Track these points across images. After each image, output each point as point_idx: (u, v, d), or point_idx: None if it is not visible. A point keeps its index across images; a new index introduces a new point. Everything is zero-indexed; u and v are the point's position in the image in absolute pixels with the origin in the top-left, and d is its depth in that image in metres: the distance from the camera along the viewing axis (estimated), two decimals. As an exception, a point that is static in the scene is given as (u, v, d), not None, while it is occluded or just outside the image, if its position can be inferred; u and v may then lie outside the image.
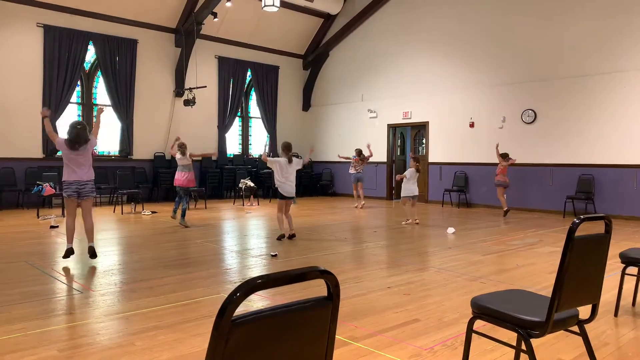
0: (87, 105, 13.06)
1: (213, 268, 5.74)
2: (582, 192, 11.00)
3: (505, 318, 2.37)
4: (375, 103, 15.42)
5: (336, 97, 16.69)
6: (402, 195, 9.77)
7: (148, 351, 3.19)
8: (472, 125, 13.08)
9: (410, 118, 14.58)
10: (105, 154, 13.16)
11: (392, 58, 14.88)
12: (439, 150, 13.89)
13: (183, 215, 9.01)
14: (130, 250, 6.87)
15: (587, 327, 2.55)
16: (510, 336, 2.83)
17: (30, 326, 3.63)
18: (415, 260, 6.29)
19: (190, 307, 4.15)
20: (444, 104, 13.67)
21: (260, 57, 16.06)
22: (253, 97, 16.35)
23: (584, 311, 2.51)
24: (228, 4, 13.28)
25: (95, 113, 12.92)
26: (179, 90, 14.11)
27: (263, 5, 11.59)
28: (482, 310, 2.49)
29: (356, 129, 15.82)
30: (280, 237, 7.60)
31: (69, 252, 5.76)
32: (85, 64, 12.87)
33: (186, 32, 13.79)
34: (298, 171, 8.05)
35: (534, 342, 2.36)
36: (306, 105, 17.56)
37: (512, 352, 2.85)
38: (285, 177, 7.58)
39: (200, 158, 9.27)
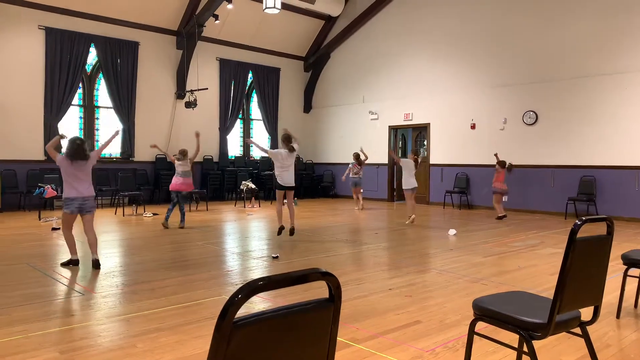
0: (89, 107, 13.08)
1: (214, 270, 5.74)
2: (584, 194, 10.99)
3: (507, 320, 2.36)
4: (376, 105, 15.42)
5: (337, 98, 16.70)
6: (403, 187, 9.98)
7: (149, 353, 3.19)
8: (473, 126, 13.07)
9: (411, 120, 14.58)
10: (106, 156, 13.17)
11: (393, 59, 14.88)
12: (440, 151, 13.88)
13: (182, 218, 9.01)
14: (131, 252, 6.88)
15: (589, 328, 2.54)
16: (512, 338, 2.83)
17: (31, 328, 3.63)
18: (417, 262, 6.29)
19: (191, 309, 4.15)
20: (445, 105, 13.67)
21: (262, 59, 16.07)
22: (254, 99, 16.36)
23: (586, 313, 2.51)
24: (229, 6, 13.29)
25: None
26: (181, 93, 14.13)
27: (264, 7, 11.60)
28: (484, 312, 2.48)
29: (357, 130, 15.82)
30: (280, 230, 7.62)
31: (74, 263, 5.73)
32: (86, 66, 12.88)
33: (187, 34, 13.81)
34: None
35: (536, 344, 2.35)
36: (307, 107, 17.56)
37: (514, 354, 2.84)
38: (285, 167, 7.72)
39: (197, 154, 9.27)
